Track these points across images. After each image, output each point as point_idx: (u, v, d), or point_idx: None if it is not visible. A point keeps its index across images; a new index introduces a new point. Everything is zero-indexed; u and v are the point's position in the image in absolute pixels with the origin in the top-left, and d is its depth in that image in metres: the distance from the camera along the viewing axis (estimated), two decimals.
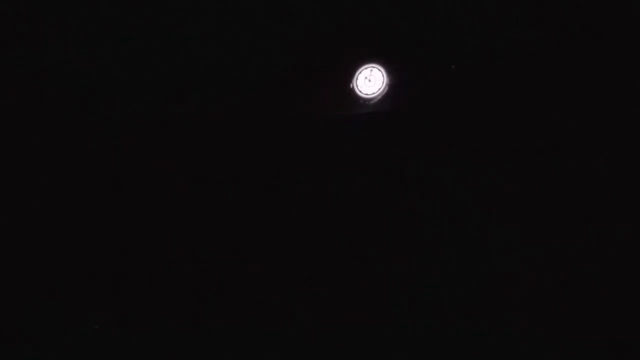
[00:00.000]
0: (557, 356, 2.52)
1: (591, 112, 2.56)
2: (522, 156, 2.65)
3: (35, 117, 2.76)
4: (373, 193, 2.81)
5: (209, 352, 2.82)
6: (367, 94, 2.73)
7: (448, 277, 2.71)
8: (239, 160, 2.89)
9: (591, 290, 2.50)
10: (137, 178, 2.91)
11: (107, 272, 2.90)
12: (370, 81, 2.71)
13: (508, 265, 2.65)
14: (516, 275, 2.64)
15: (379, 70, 2.70)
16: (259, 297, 2.85)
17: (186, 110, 2.85)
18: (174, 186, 2.91)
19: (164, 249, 2.91)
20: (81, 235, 2.87)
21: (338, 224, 2.85)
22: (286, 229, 2.88)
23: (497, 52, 2.63)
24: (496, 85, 2.66)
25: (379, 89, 2.71)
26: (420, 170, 2.77)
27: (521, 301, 2.62)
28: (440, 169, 2.74)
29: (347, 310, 2.79)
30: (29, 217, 2.80)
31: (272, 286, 2.86)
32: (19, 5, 2.40)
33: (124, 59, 2.70)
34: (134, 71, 2.75)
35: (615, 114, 2.53)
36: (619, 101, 2.52)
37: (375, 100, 2.73)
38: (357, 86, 2.73)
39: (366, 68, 2.71)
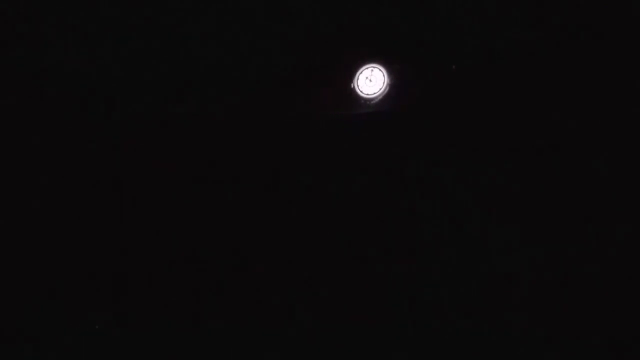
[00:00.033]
0: (557, 356, 2.52)
1: (591, 112, 2.56)
2: (522, 156, 2.65)
3: (35, 117, 2.76)
4: (373, 193, 2.81)
5: (209, 352, 2.82)
6: (368, 94, 2.73)
7: (448, 277, 2.71)
8: (239, 160, 2.89)
9: (591, 290, 2.50)
10: (137, 178, 2.91)
11: (107, 272, 2.90)
12: (371, 81, 2.71)
13: (508, 265, 2.65)
14: (516, 275, 2.64)
15: (380, 70, 2.71)
16: (259, 297, 2.85)
17: (186, 110, 2.85)
18: (174, 186, 2.91)
19: (164, 249, 2.91)
20: (81, 235, 2.86)
21: (338, 224, 2.85)
22: (286, 229, 2.88)
23: (497, 52, 2.63)
24: (496, 85, 2.67)
25: (380, 89, 2.71)
26: (420, 170, 2.77)
27: (521, 301, 2.62)
28: (440, 169, 2.74)
29: (347, 310, 2.79)
30: (29, 217, 2.79)
31: (272, 286, 2.86)
32: (19, 5, 2.40)
33: (124, 59, 2.70)
34: (134, 71, 2.75)
35: (615, 114, 2.53)
36: (619, 101, 2.52)
37: (376, 100, 2.73)
38: (358, 86, 2.73)
39: (367, 68, 2.72)
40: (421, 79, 2.71)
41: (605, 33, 2.51)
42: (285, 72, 2.77)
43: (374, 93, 2.72)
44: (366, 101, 2.74)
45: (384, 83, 2.70)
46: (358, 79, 2.72)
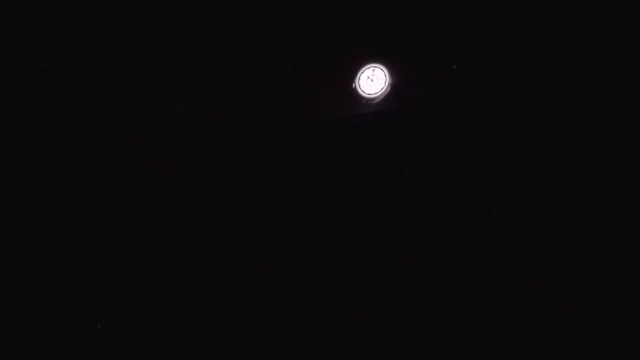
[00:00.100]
0: (557, 356, 2.52)
1: (591, 112, 2.56)
2: (522, 156, 2.65)
3: (35, 117, 2.76)
4: (373, 193, 2.81)
5: (209, 352, 2.82)
6: (369, 94, 2.73)
7: (448, 277, 2.71)
8: (239, 160, 2.89)
9: (591, 290, 2.51)
10: (137, 178, 2.91)
11: (107, 272, 2.89)
12: (373, 81, 2.71)
13: (508, 265, 2.65)
14: (516, 275, 2.64)
15: (382, 70, 2.70)
16: (259, 297, 2.85)
17: (186, 110, 2.85)
18: (174, 186, 2.91)
19: (164, 249, 2.91)
20: (81, 235, 2.86)
21: (338, 224, 2.85)
22: (286, 229, 2.88)
23: (497, 52, 2.63)
24: (496, 85, 2.66)
25: (382, 89, 2.71)
26: (420, 170, 2.77)
27: (521, 301, 2.62)
28: (440, 169, 2.74)
29: (347, 310, 2.79)
30: (29, 217, 2.79)
31: (272, 286, 2.86)
32: (19, 5, 2.40)
33: (124, 59, 2.70)
34: (134, 71, 2.75)
35: (615, 114, 2.53)
36: (619, 101, 2.52)
37: (378, 100, 2.73)
38: (359, 86, 2.73)
39: (369, 68, 2.71)
40: (423, 79, 2.71)
41: (605, 33, 2.51)
42: (285, 72, 2.77)
43: (376, 93, 2.72)
44: (368, 101, 2.74)
45: (386, 83, 2.70)
46: (360, 79, 2.72)
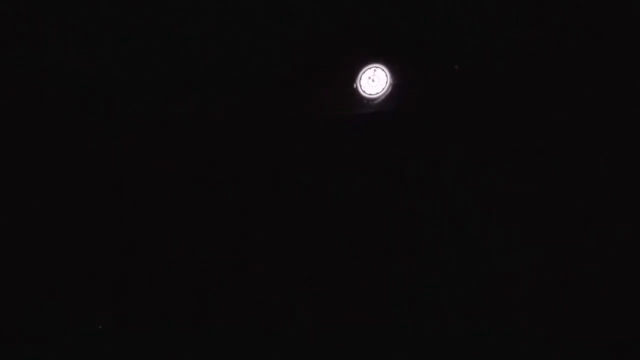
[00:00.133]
0: (557, 356, 2.52)
1: (591, 112, 2.56)
2: (522, 156, 2.65)
3: (35, 117, 2.76)
4: (373, 193, 2.81)
5: (209, 352, 2.82)
6: (370, 94, 2.73)
7: (448, 277, 2.71)
8: (239, 160, 2.89)
9: (591, 290, 2.51)
10: (137, 178, 2.91)
11: (107, 272, 2.90)
12: (374, 81, 2.71)
13: (508, 265, 2.65)
14: (516, 275, 2.64)
15: (383, 70, 2.70)
16: (259, 297, 2.85)
17: (186, 110, 2.85)
18: (174, 186, 2.91)
19: (164, 249, 2.91)
20: (81, 235, 2.86)
21: (338, 224, 2.85)
22: (286, 229, 2.88)
23: (497, 52, 2.63)
24: (496, 85, 2.66)
25: (383, 89, 2.71)
26: (420, 170, 2.77)
27: (521, 301, 2.62)
28: (440, 169, 2.74)
29: (347, 310, 2.79)
30: (29, 217, 2.79)
31: (272, 286, 2.86)
32: (19, 5, 2.40)
33: (124, 59, 2.70)
34: (134, 71, 2.75)
35: (615, 114, 2.53)
36: (619, 101, 2.52)
37: (379, 100, 2.73)
38: (360, 86, 2.73)
39: (370, 68, 2.71)
40: (424, 79, 2.71)
41: (605, 33, 2.51)
42: (286, 72, 2.77)
43: (377, 93, 2.72)
44: (369, 101, 2.74)
45: (386, 83, 2.70)
46: (361, 79, 2.72)
